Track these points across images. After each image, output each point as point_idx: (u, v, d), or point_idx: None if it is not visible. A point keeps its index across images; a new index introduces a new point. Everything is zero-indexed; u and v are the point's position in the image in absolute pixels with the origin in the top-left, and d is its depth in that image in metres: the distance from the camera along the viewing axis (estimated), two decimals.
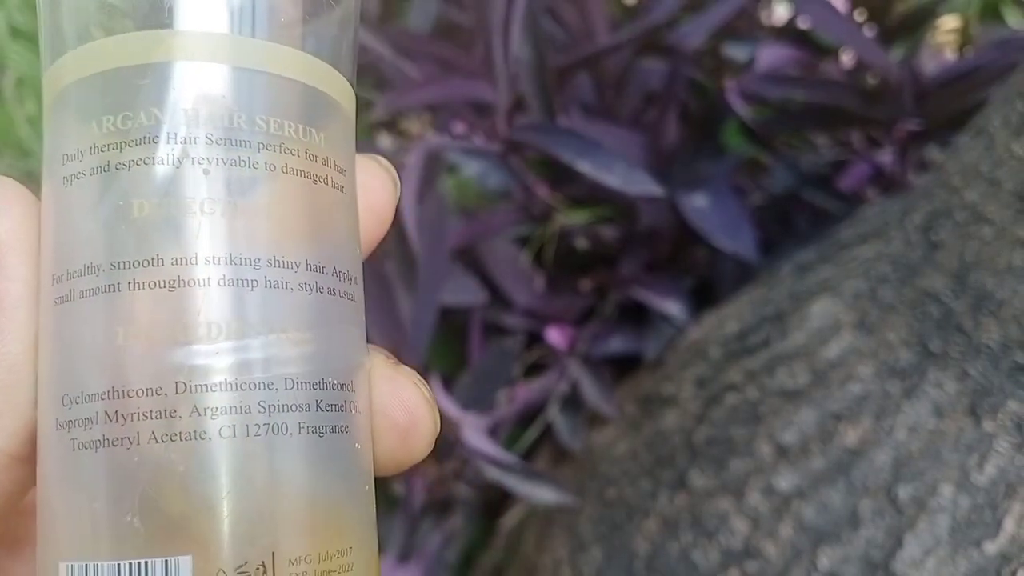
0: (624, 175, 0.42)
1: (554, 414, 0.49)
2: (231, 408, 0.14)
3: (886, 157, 0.52)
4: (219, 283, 0.14)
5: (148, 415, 0.14)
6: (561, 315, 0.51)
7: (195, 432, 0.14)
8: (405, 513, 0.48)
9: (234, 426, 0.14)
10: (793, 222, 0.53)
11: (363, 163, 0.18)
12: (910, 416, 0.32)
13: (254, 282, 0.15)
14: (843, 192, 0.52)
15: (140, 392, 0.14)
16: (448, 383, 0.48)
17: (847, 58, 0.56)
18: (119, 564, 0.14)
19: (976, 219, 0.32)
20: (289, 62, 0.16)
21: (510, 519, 0.53)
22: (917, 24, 0.54)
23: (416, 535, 0.48)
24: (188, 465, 0.14)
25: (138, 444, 0.14)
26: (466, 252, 0.51)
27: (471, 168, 0.49)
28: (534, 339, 0.52)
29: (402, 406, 0.17)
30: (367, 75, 0.55)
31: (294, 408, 0.15)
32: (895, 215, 0.39)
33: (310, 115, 0.16)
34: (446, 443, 0.48)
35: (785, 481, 0.35)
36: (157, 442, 0.14)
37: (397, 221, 0.42)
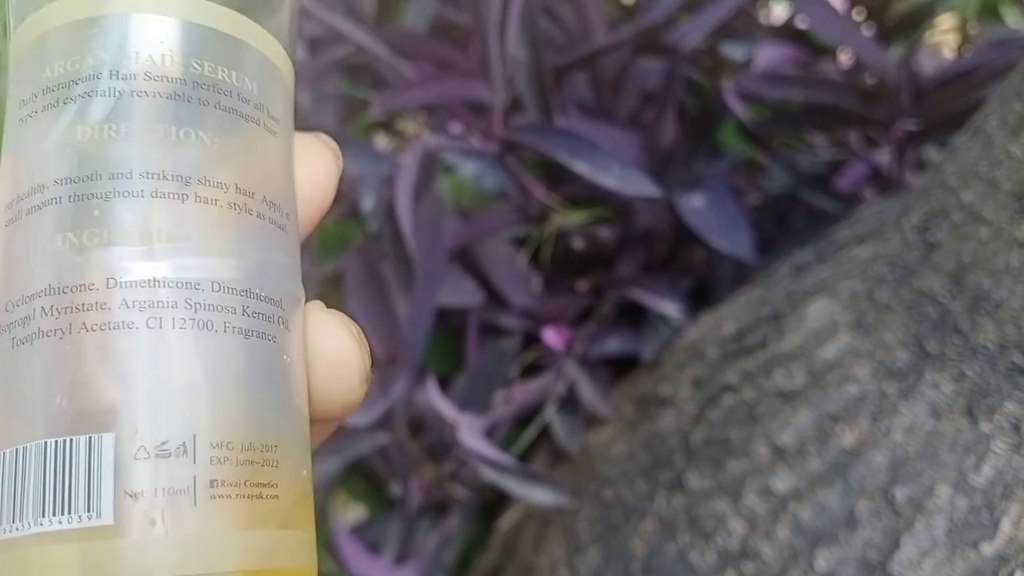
0: (621, 175, 0.42)
1: (551, 415, 0.49)
2: (159, 303, 0.15)
3: (884, 157, 0.51)
4: (152, 195, 0.16)
5: (81, 307, 0.15)
6: (558, 316, 0.51)
7: (123, 322, 0.15)
8: (402, 514, 0.48)
9: (160, 318, 0.15)
10: (790, 222, 0.53)
11: (304, 138, 0.19)
12: (907, 417, 0.32)
13: (184, 196, 0.16)
14: (840, 192, 0.52)
15: (75, 288, 0.15)
16: (445, 384, 0.48)
17: (845, 58, 0.56)
18: (45, 443, 0.15)
19: (973, 219, 0.32)
20: (221, 18, 0.17)
21: (507, 520, 0.53)
22: (915, 23, 0.54)
23: (413, 536, 0.47)
24: (116, 352, 0.15)
25: (71, 333, 0.15)
26: (463, 253, 0.50)
27: (468, 168, 0.49)
28: (531, 340, 0.51)
29: (331, 339, 0.18)
30: (363, 75, 0.55)
31: (219, 309, 0.16)
32: (892, 215, 0.39)
33: (244, 66, 0.17)
34: (443, 444, 0.48)
35: (782, 482, 0.35)
36: (88, 331, 0.15)
37: (393, 222, 0.42)
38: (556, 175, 0.51)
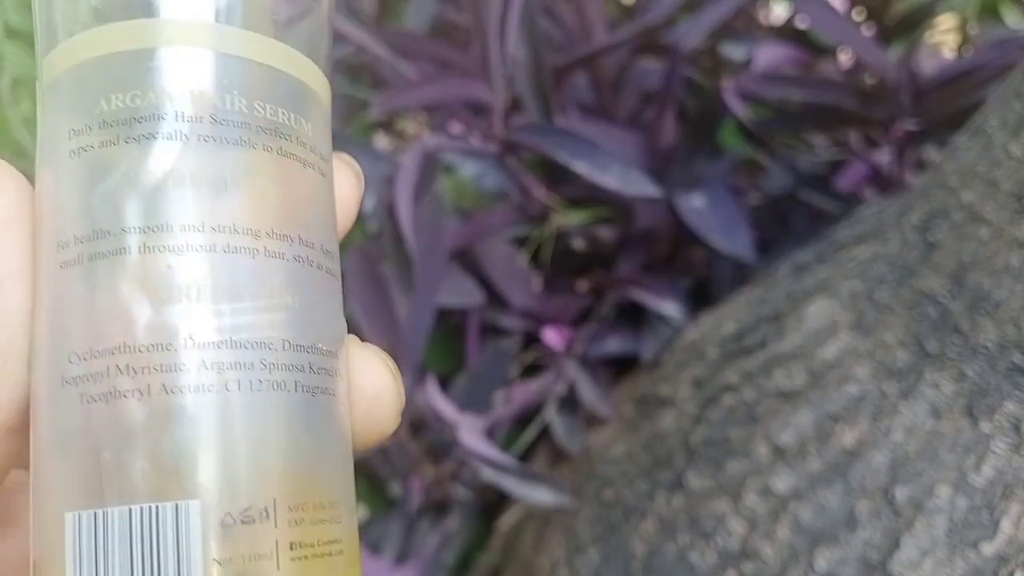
0: (621, 176, 0.42)
1: (551, 415, 0.49)
2: (236, 364, 0.15)
3: (884, 157, 0.51)
4: (224, 250, 0.15)
5: (159, 368, 0.15)
6: (558, 316, 0.51)
7: (202, 385, 0.15)
8: (402, 514, 0.48)
9: (239, 380, 0.15)
10: (790, 222, 0.53)
11: None
12: (907, 417, 0.32)
13: (255, 251, 0.16)
14: (840, 192, 0.52)
15: (151, 347, 0.15)
16: (445, 384, 0.48)
17: (845, 58, 0.56)
18: (130, 509, 0.14)
19: (973, 219, 0.32)
20: (280, 55, 0.17)
21: (507, 520, 0.53)
22: (915, 23, 0.54)
23: (413, 536, 0.47)
24: (195, 416, 0.15)
25: (149, 395, 0.15)
26: (463, 253, 0.50)
27: (468, 169, 0.49)
28: (531, 340, 0.51)
29: (368, 376, 0.18)
30: (363, 75, 0.55)
31: (292, 367, 0.16)
32: (892, 215, 0.39)
33: (299, 105, 0.17)
34: (443, 444, 0.48)
35: (782, 482, 0.35)
36: (167, 394, 0.15)
37: (393, 222, 0.42)
38: (556, 175, 0.51)
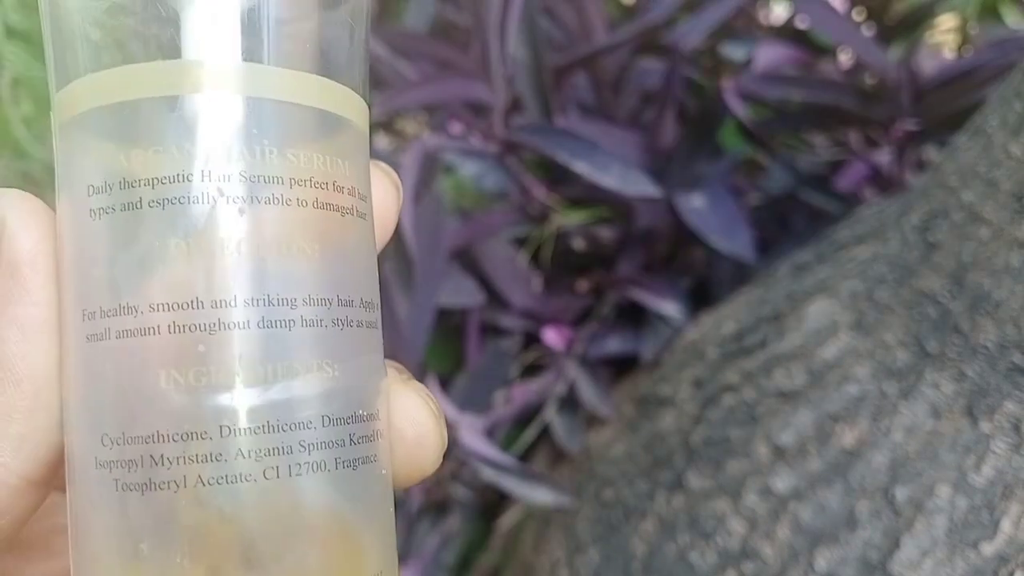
0: (621, 175, 0.42)
1: (551, 415, 0.49)
2: (275, 449, 0.14)
3: (884, 157, 0.51)
4: (258, 325, 0.14)
5: (194, 459, 0.14)
6: (558, 316, 0.51)
7: (241, 475, 0.14)
8: (402, 514, 0.48)
9: (277, 467, 0.14)
10: (790, 222, 0.53)
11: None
12: (907, 417, 0.32)
13: (291, 322, 0.15)
14: (840, 192, 0.52)
15: (185, 436, 0.14)
16: (445, 384, 0.48)
17: (845, 58, 0.56)
18: None
19: (973, 219, 0.32)
20: (314, 91, 0.16)
21: (507, 520, 0.53)
22: (915, 23, 0.54)
23: (413, 536, 0.47)
24: (236, 507, 0.14)
25: (185, 487, 0.14)
26: (463, 253, 0.50)
27: (468, 169, 0.49)
28: (531, 340, 0.51)
29: (410, 420, 0.17)
30: None
31: (332, 444, 0.15)
32: (892, 215, 0.39)
33: (336, 145, 0.16)
34: None
35: (782, 482, 0.35)
36: (204, 485, 0.14)
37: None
38: (556, 175, 0.51)
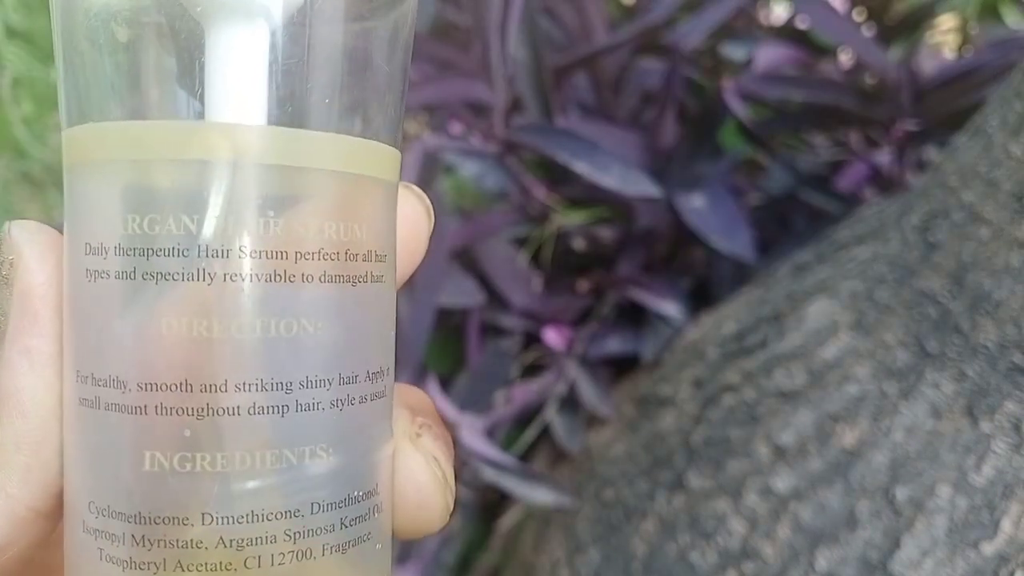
0: (621, 176, 0.42)
1: (552, 415, 0.49)
2: (257, 539, 0.14)
3: (884, 157, 0.51)
4: (248, 411, 0.14)
5: (174, 544, 0.14)
6: (559, 316, 0.51)
7: (220, 563, 0.14)
8: None
9: (259, 556, 0.14)
10: (791, 223, 0.53)
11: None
12: (907, 417, 0.32)
13: (285, 407, 0.14)
14: (841, 192, 0.52)
15: (166, 520, 0.14)
16: (446, 384, 0.48)
17: (845, 58, 0.56)
18: None
19: (973, 220, 0.32)
20: (333, 153, 0.14)
21: (508, 520, 0.53)
22: (916, 24, 0.54)
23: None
24: None
25: (163, 570, 0.14)
26: (463, 253, 0.50)
27: (468, 169, 0.49)
28: (532, 340, 0.51)
29: (414, 484, 0.17)
30: None
31: (320, 531, 0.14)
32: (892, 216, 0.39)
33: (354, 208, 0.15)
34: None
35: (783, 482, 0.35)
36: (183, 571, 0.14)
37: None
38: (556, 175, 0.51)
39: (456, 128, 0.50)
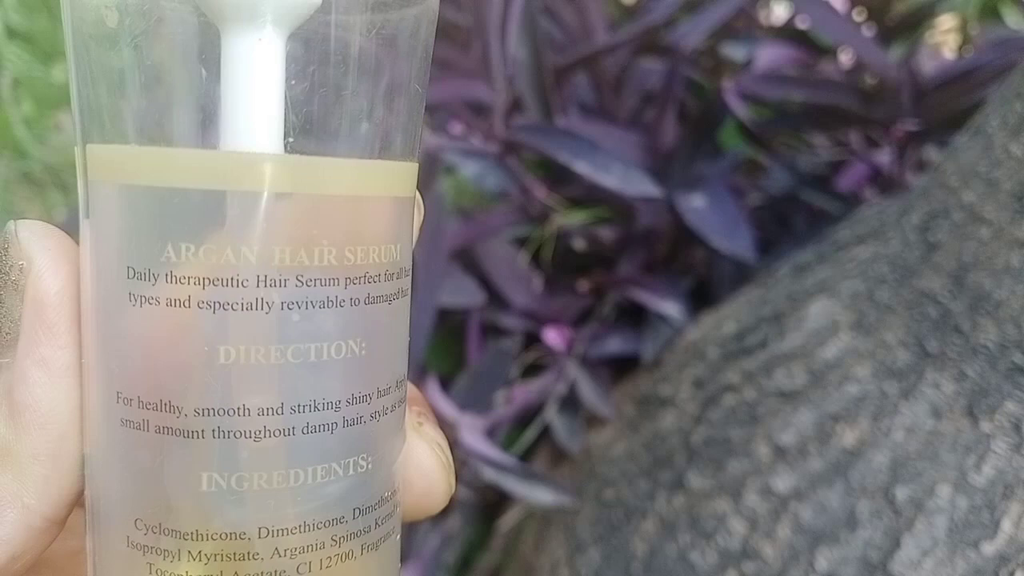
0: (622, 176, 0.42)
1: (552, 415, 0.49)
2: (307, 547, 0.15)
3: (884, 157, 0.51)
4: (303, 431, 0.14)
5: (231, 556, 0.14)
6: (559, 316, 0.51)
7: (275, 571, 0.14)
8: None
9: (310, 562, 0.15)
10: (791, 223, 0.53)
11: None
12: (908, 417, 0.32)
13: (334, 424, 0.15)
14: (841, 192, 0.52)
15: (224, 536, 0.14)
16: (446, 384, 0.48)
17: (846, 58, 0.56)
18: None
19: (974, 220, 0.32)
20: (377, 179, 0.15)
21: (508, 520, 0.53)
22: (916, 24, 0.54)
23: (414, 536, 0.47)
24: None
25: None
26: (464, 253, 0.50)
27: (469, 169, 0.49)
28: (532, 340, 0.51)
29: (419, 471, 0.18)
30: None
31: (359, 533, 0.15)
32: (893, 216, 0.39)
33: (393, 230, 0.15)
34: None
35: (783, 482, 0.35)
36: None
37: None
38: (557, 175, 0.51)
39: (456, 128, 0.50)
